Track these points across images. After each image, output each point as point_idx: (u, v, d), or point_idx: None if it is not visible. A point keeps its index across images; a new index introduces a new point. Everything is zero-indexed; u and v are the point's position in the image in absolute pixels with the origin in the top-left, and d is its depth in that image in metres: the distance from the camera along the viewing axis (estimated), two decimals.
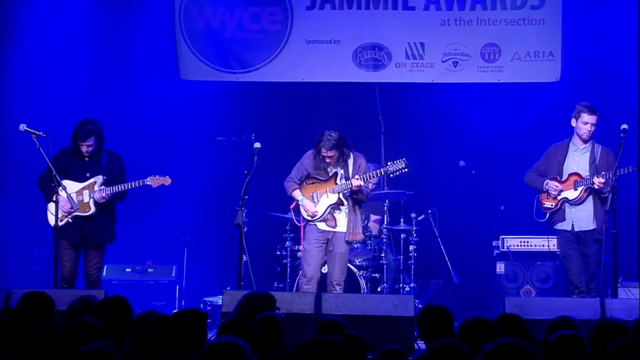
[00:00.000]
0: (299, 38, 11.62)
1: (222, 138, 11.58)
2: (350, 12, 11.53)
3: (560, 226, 9.64)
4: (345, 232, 9.72)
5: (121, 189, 9.58)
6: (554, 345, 4.70)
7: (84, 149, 9.54)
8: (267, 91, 12.09)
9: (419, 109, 12.09)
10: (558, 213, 9.62)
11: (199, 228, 11.95)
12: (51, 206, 9.44)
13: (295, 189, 9.81)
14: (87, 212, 9.58)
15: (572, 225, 9.57)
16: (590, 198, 9.51)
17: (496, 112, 11.85)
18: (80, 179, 9.62)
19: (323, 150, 9.62)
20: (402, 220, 11.16)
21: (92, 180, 9.62)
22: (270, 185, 10.65)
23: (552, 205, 9.63)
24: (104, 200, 9.57)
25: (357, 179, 9.55)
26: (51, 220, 9.45)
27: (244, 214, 9.33)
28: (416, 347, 8.24)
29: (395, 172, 9.66)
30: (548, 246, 11.03)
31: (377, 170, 9.80)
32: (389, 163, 9.69)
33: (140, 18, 12.06)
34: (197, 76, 11.79)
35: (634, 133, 9.78)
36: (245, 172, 9.32)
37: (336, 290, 9.58)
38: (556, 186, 9.59)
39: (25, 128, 9.29)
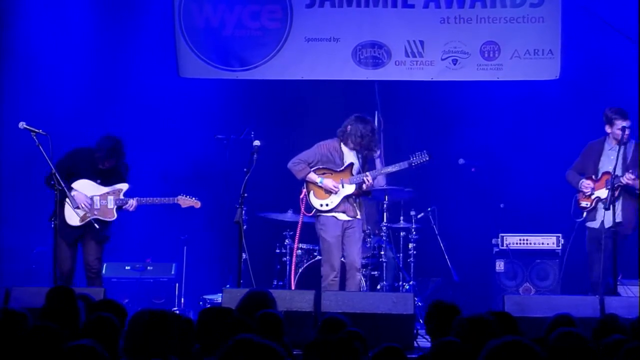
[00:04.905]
0: (299, 36, 11.61)
1: (222, 136, 11.57)
2: (350, 10, 11.52)
3: (590, 224, 9.73)
4: (361, 220, 9.94)
5: (151, 202, 9.86)
6: (555, 343, 4.70)
7: (99, 165, 9.65)
8: (266, 89, 12.09)
9: (419, 107, 12.09)
10: (592, 212, 9.67)
11: (198, 226, 11.93)
12: (68, 207, 9.49)
13: (310, 172, 9.85)
14: (109, 217, 9.70)
15: (602, 222, 9.61)
16: (621, 196, 9.57)
17: (496, 110, 11.85)
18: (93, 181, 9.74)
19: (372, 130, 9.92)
20: (401, 218, 11.16)
21: (118, 186, 9.75)
22: (269, 183, 10.65)
23: (587, 204, 9.70)
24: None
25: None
26: (73, 220, 9.52)
27: (243, 212, 9.33)
28: (415, 344, 8.26)
29: (418, 163, 9.91)
30: (547, 244, 11.06)
31: (401, 163, 9.98)
32: (411, 157, 9.89)
33: (139, 16, 12.04)
34: (196, 74, 11.78)
35: (635, 131, 9.81)
36: (245, 169, 9.32)
37: (359, 276, 9.77)
38: (588, 184, 9.64)
39: (25, 126, 9.28)
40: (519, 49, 11.34)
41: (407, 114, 12.12)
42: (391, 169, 10.10)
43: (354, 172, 9.85)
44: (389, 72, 11.53)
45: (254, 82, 11.88)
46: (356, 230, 9.86)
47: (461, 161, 11.65)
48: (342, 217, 9.83)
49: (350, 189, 9.81)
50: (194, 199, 9.97)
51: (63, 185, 9.27)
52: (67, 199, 9.43)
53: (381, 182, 10.86)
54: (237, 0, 11.68)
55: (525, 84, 11.64)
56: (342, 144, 9.91)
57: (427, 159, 9.87)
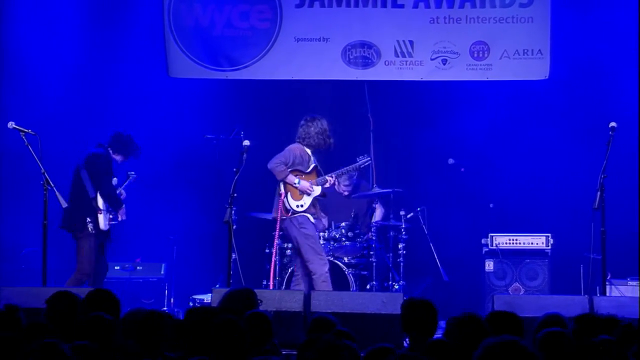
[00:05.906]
0: (288, 36, 11.62)
1: (211, 136, 11.57)
2: (340, 10, 11.53)
3: None
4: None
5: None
6: (541, 343, 4.72)
7: (119, 160, 10.13)
8: (256, 89, 12.08)
9: (408, 106, 12.09)
10: None
11: (188, 226, 11.93)
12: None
13: (289, 173, 9.94)
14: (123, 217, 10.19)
15: None
16: None
17: (485, 110, 11.86)
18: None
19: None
20: (391, 217, 11.17)
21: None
22: (259, 183, 10.64)
23: None
24: None
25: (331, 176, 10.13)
26: (104, 224, 9.86)
27: (232, 212, 9.33)
28: (405, 344, 8.25)
29: (364, 166, 10.37)
30: (537, 244, 11.07)
31: (352, 166, 10.34)
32: (358, 159, 10.31)
33: (129, 16, 12.03)
34: (186, 74, 11.78)
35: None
36: (234, 169, 9.33)
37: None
38: None
39: (14, 125, 9.26)
40: (508, 49, 11.37)
41: (397, 114, 12.13)
42: (343, 171, 10.34)
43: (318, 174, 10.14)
44: (379, 72, 11.55)
45: (243, 82, 11.88)
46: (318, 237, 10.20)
47: (451, 161, 11.67)
48: (311, 219, 10.03)
49: (318, 190, 10.05)
50: (132, 173, 10.45)
51: (54, 188, 9.26)
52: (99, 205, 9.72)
53: (378, 217, 11.12)
54: (226, 0, 11.68)
55: (515, 84, 11.65)
56: (305, 147, 10.06)
57: (370, 161, 10.34)
